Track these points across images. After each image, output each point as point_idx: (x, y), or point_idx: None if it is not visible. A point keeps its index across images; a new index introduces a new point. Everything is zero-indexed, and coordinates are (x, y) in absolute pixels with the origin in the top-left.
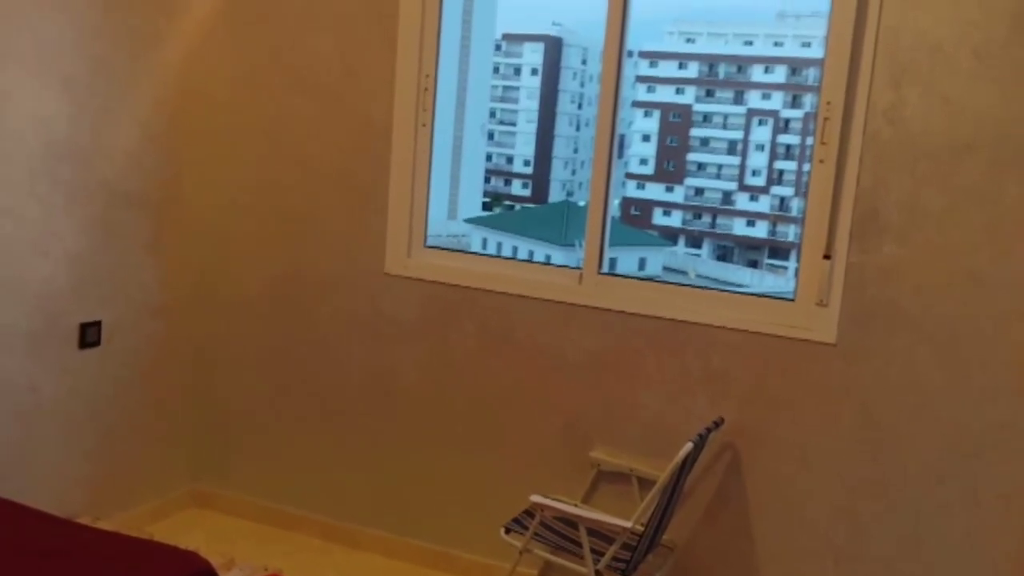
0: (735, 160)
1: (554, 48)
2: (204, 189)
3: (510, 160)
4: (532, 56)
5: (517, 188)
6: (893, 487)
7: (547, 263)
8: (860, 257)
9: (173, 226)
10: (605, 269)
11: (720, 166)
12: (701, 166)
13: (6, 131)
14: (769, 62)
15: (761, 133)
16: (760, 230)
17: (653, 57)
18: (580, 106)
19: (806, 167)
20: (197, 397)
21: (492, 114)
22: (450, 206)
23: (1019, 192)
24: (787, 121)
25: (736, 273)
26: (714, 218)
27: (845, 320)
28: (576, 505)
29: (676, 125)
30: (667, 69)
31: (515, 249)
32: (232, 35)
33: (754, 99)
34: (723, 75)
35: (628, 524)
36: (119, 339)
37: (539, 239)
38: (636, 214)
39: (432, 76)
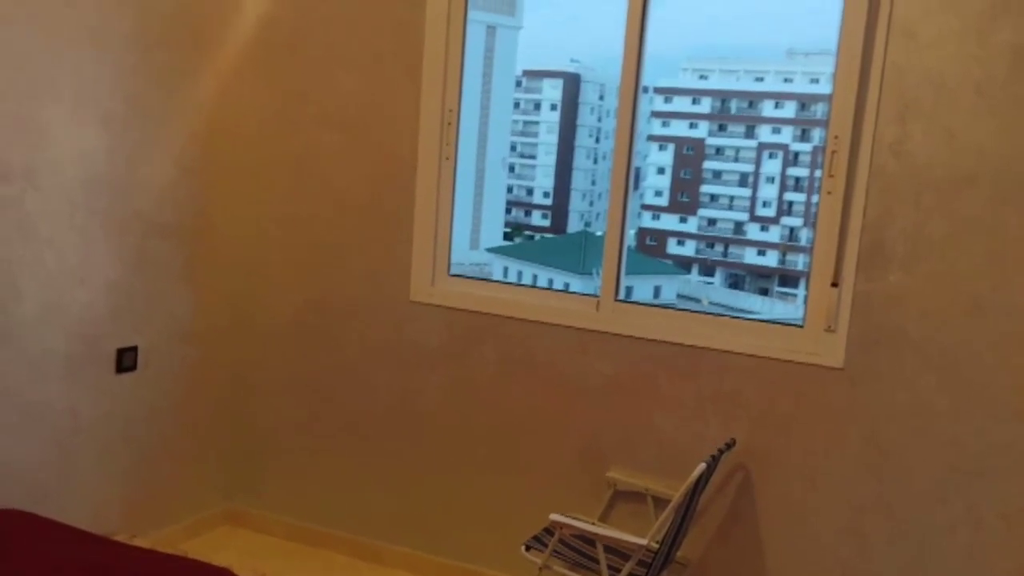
0: (746, 192)
1: (572, 84)
2: (235, 220)
3: (530, 192)
4: (551, 92)
5: (537, 219)
6: (898, 507)
7: (566, 291)
8: (867, 285)
9: (206, 255)
10: (621, 296)
11: (732, 197)
12: (714, 197)
13: (47, 165)
14: (779, 98)
15: (771, 166)
16: (770, 259)
17: (668, 93)
18: (597, 140)
19: (815, 198)
20: (229, 419)
21: (513, 147)
22: (472, 236)
23: (1019, 222)
24: (796, 154)
25: (747, 300)
26: (726, 248)
27: (852, 345)
28: (593, 523)
29: (690, 158)
30: (681, 104)
31: (535, 277)
32: (262, 72)
33: (765, 133)
34: (735, 110)
35: (643, 541)
36: (154, 364)
37: (558, 268)
38: (651, 244)
39: (455, 111)
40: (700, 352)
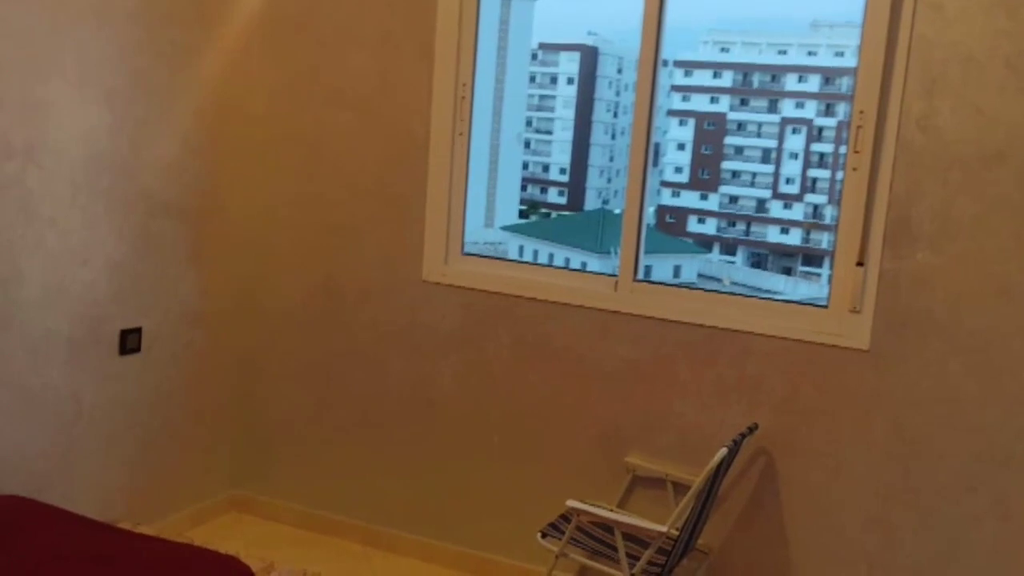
0: (769, 168)
1: (590, 57)
2: (243, 200)
3: (546, 168)
4: (568, 65)
5: (553, 196)
6: (924, 496)
7: (583, 270)
8: (893, 264)
9: (213, 237)
10: (640, 276)
11: (754, 174)
12: (735, 174)
13: (49, 143)
14: (803, 71)
15: (795, 141)
16: (794, 237)
17: (688, 66)
18: (615, 115)
19: (839, 175)
20: (237, 404)
21: (528, 123)
22: (487, 214)
23: None
24: (820, 129)
25: (770, 280)
26: (748, 226)
27: (878, 326)
28: (612, 510)
29: (711, 133)
30: (702, 78)
31: (551, 256)
32: (270, 49)
33: (788, 108)
34: (757, 84)
35: (663, 529)
36: (159, 346)
37: (575, 246)
38: (671, 222)
39: (469, 85)
40: (721, 333)
